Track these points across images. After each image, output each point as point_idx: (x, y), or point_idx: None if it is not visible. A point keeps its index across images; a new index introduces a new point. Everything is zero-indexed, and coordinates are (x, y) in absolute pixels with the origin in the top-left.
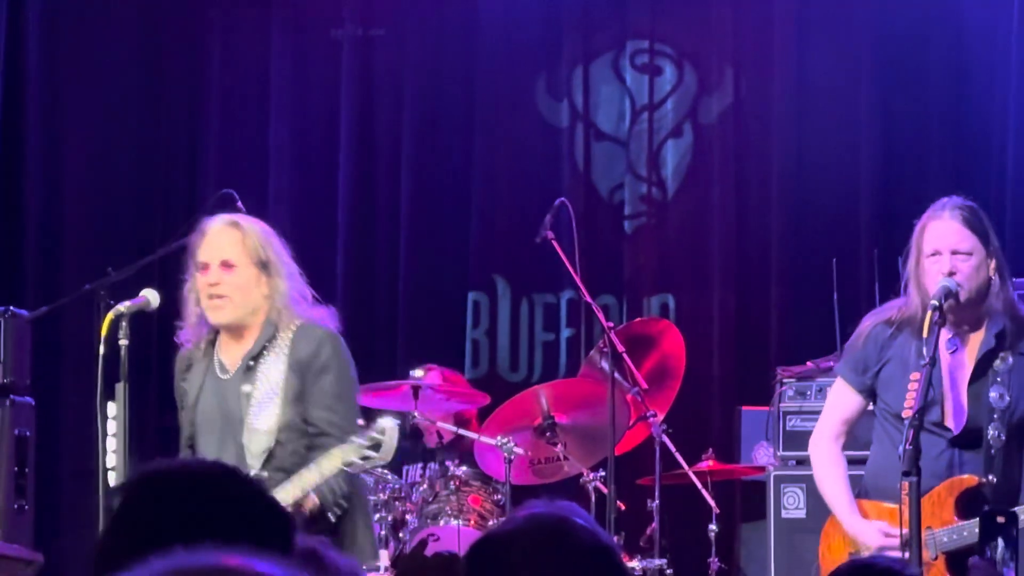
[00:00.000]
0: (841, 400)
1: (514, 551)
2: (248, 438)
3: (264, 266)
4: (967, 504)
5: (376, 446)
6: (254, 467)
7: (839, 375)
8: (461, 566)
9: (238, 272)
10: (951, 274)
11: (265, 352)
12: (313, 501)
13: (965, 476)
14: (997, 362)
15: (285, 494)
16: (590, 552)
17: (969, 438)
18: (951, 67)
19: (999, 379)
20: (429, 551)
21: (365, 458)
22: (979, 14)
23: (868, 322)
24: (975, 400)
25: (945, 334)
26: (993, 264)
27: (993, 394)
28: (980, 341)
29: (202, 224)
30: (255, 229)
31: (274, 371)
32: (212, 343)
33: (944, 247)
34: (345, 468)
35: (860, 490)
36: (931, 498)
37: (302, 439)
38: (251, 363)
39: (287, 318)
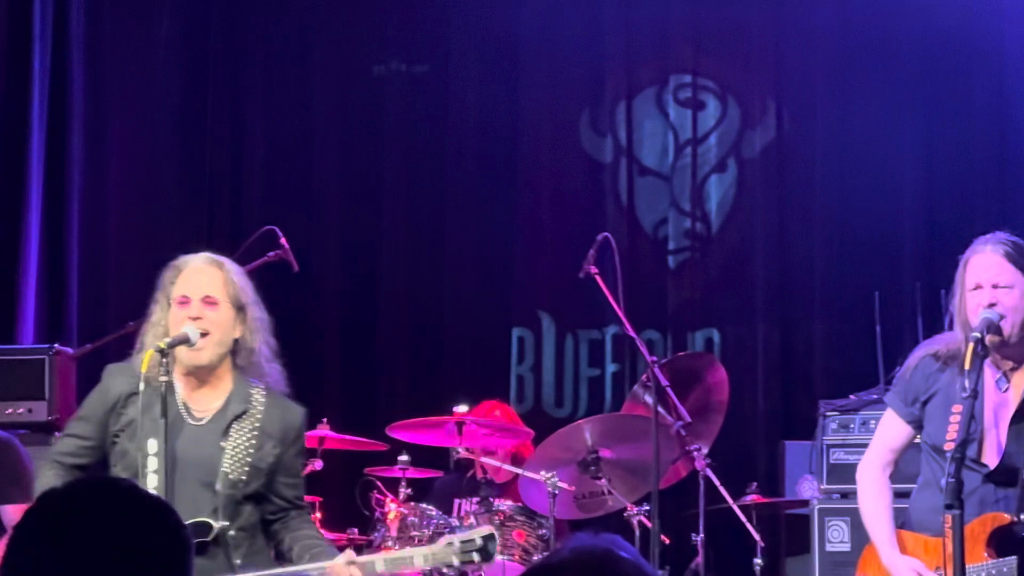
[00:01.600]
0: (890, 430)
1: None
2: (222, 492)
3: (241, 309)
4: (999, 542)
5: (478, 551)
6: (225, 520)
7: (889, 405)
8: None
9: (220, 310)
10: (991, 306)
11: (241, 407)
12: None
13: (998, 513)
14: None
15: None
16: None
17: (1004, 475)
18: (994, 102)
19: None
20: None
21: (466, 562)
22: (1020, 48)
23: (918, 354)
24: (1015, 438)
25: (993, 373)
26: None
27: None
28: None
29: (179, 260)
30: (235, 270)
31: (247, 434)
32: (171, 383)
33: (985, 281)
34: (440, 568)
35: (903, 521)
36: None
37: (261, 506)
38: (231, 421)
39: (256, 370)
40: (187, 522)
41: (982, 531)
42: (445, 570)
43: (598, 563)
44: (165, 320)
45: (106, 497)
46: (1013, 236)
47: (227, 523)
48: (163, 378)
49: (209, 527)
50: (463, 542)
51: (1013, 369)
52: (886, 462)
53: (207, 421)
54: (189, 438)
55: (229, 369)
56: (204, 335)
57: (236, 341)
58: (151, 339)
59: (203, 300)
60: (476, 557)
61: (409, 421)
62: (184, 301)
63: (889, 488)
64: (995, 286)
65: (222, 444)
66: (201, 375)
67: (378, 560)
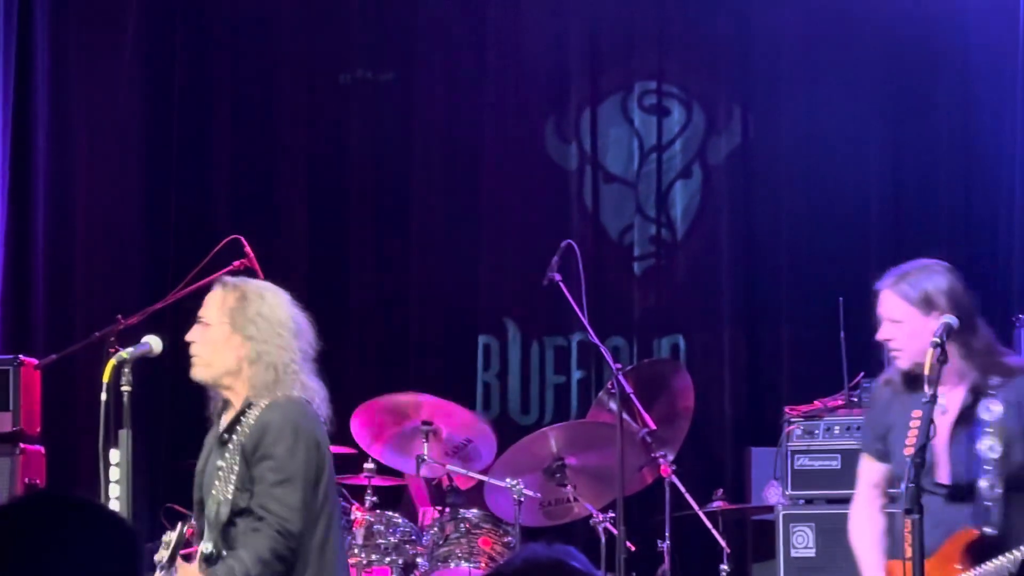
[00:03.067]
0: (864, 468)
1: None
2: (211, 511)
3: (238, 328)
4: (975, 557)
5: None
6: (212, 540)
7: (859, 445)
8: None
9: (211, 330)
10: (889, 340)
11: (239, 426)
12: None
13: (966, 530)
14: (984, 414)
15: None
16: None
17: (962, 492)
18: (959, 105)
19: (988, 429)
20: None
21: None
22: (984, 46)
23: (875, 386)
24: (960, 451)
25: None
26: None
27: (982, 445)
28: (960, 397)
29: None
30: (240, 290)
31: (234, 452)
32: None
33: (880, 316)
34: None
35: (891, 551)
36: (939, 556)
37: (249, 523)
38: (225, 436)
39: (262, 386)
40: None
41: (954, 550)
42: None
43: (549, 572)
44: None
45: (48, 510)
46: (915, 266)
47: (211, 545)
48: (124, 388)
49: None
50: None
51: (947, 391)
52: (869, 498)
53: (218, 440)
54: (208, 456)
55: (246, 389)
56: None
57: (241, 359)
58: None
59: (198, 321)
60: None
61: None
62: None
63: (876, 520)
64: (890, 320)
65: (219, 464)
66: (224, 392)
67: None
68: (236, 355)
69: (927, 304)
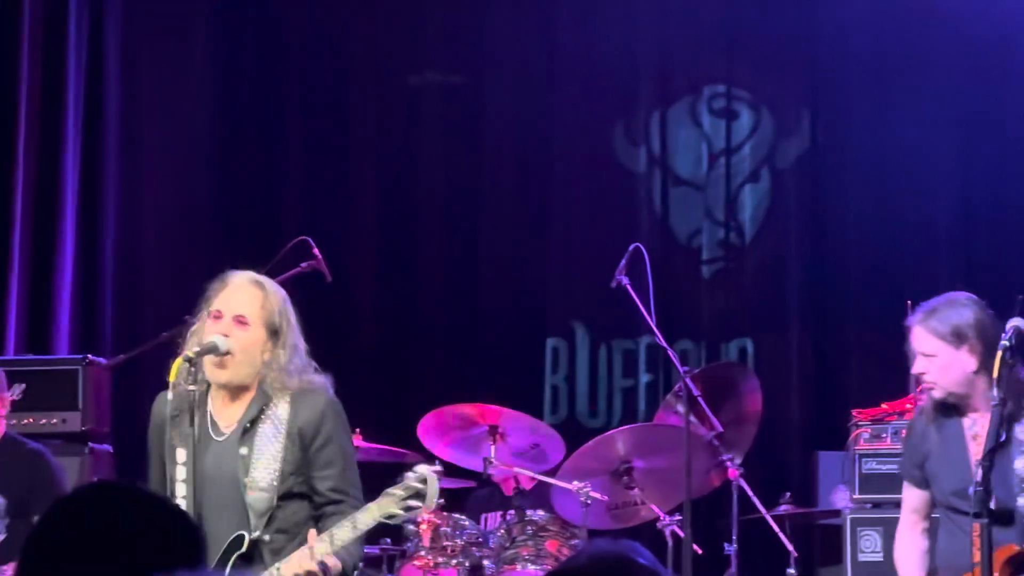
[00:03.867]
0: (907, 495)
1: None
2: (251, 499)
3: (274, 333)
4: (1014, 572)
5: (417, 495)
6: (257, 528)
7: (900, 472)
8: None
9: (250, 331)
10: (923, 373)
11: (262, 417)
12: (336, 566)
13: (1005, 546)
14: (1019, 431)
15: (319, 548)
16: None
17: (1004, 515)
18: None
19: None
20: None
21: (408, 509)
22: None
23: (913, 415)
24: (996, 475)
25: (967, 426)
26: (975, 356)
27: (1019, 463)
28: (988, 421)
29: (226, 274)
30: (276, 294)
31: (272, 437)
32: (204, 396)
33: (913, 350)
34: (385, 520)
35: (931, 569)
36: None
37: (304, 506)
38: (248, 426)
39: (280, 386)
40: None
41: (995, 569)
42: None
43: (615, 569)
44: (201, 331)
45: (116, 500)
46: (942, 301)
47: (259, 531)
48: (191, 387)
49: (242, 539)
50: (403, 489)
51: (977, 419)
52: (911, 523)
53: (229, 435)
54: (214, 454)
55: (257, 387)
56: (227, 353)
57: (266, 363)
58: (188, 349)
59: (234, 318)
60: (415, 502)
61: (440, 410)
62: (217, 316)
63: (918, 543)
64: (922, 354)
65: (243, 453)
66: (230, 391)
67: (342, 529)
68: (263, 358)
69: (957, 337)
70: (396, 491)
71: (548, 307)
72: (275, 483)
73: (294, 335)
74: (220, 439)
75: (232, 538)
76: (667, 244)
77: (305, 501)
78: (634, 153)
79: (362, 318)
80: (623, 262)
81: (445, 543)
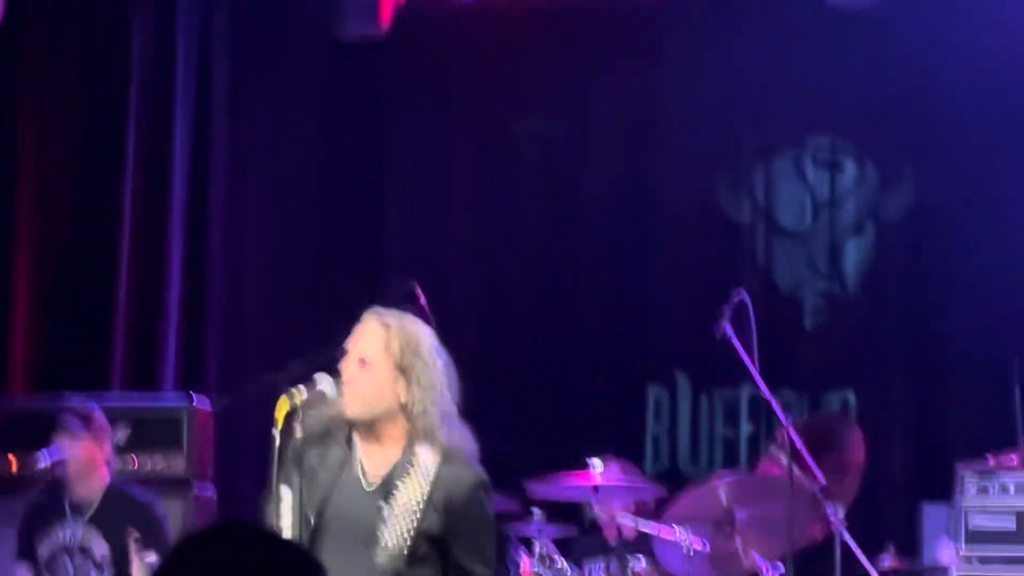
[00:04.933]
0: None
1: None
2: (381, 557)
3: (403, 371)
4: None
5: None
6: None
7: None
8: None
9: (372, 371)
10: None
11: (408, 473)
12: None
13: None
14: None
15: None
16: None
17: None
18: None
19: None
20: None
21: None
22: None
23: None
24: None
25: None
26: None
27: None
28: None
29: (366, 313)
30: (406, 332)
31: (414, 496)
32: (349, 438)
33: None
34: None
35: None
36: None
37: (430, 571)
38: (396, 482)
39: (425, 433)
40: None
41: None
42: None
43: None
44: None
45: (243, 539)
46: None
47: None
48: (298, 435)
49: None
50: None
51: None
52: None
53: (376, 486)
54: (356, 501)
55: (404, 434)
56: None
57: (403, 406)
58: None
59: (359, 360)
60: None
61: (545, 477)
62: (345, 354)
63: None
64: None
65: (383, 509)
66: (372, 434)
67: None
68: (397, 399)
69: None
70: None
71: (650, 355)
72: (407, 545)
73: (430, 375)
74: (367, 488)
75: None
76: (769, 295)
77: (441, 569)
78: (738, 203)
79: (463, 364)
80: (727, 311)
81: None
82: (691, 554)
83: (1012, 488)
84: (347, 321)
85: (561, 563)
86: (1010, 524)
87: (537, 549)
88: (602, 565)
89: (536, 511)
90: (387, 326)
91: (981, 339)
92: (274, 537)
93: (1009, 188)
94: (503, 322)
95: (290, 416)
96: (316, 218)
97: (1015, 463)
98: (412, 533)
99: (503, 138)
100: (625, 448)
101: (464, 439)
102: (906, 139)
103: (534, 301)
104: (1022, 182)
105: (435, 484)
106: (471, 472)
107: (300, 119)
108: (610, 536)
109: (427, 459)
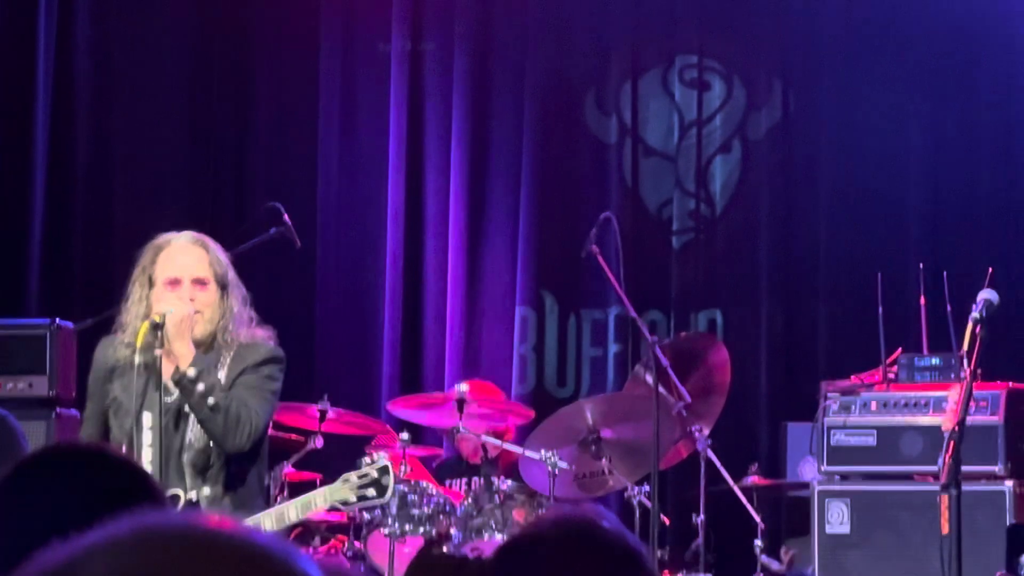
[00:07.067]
0: None
1: (541, 554)
2: (189, 458)
3: (224, 288)
4: None
5: (373, 484)
6: (196, 488)
7: None
8: (489, 569)
9: (209, 290)
10: None
11: (206, 372)
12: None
13: None
14: None
15: (262, 525)
16: (617, 555)
17: None
18: (1000, 83)
19: None
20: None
21: (363, 498)
22: None
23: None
24: None
25: None
26: None
27: None
28: None
29: (160, 239)
30: (217, 248)
31: (213, 394)
32: (155, 361)
33: None
34: (339, 507)
35: None
36: None
37: (248, 459)
38: (194, 383)
39: (231, 339)
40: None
41: None
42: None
43: (580, 534)
44: (147, 301)
45: (78, 460)
46: None
47: (194, 493)
48: (158, 351)
49: (177, 499)
50: (359, 477)
51: None
52: None
53: (177, 395)
54: (162, 413)
55: (211, 346)
56: (197, 313)
57: (221, 317)
58: (132, 320)
59: (194, 282)
60: (372, 492)
61: (412, 397)
62: (175, 282)
63: None
64: None
65: (186, 411)
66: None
67: (290, 508)
68: (220, 314)
69: None
70: (352, 478)
71: (517, 276)
72: (204, 442)
73: (240, 285)
74: (169, 400)
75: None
76: (637, 214)
77: (255, 464)
78: (605, 123)
79: (330, 286)
80: (593, 232)
81: (412, 511)
82: (556, 474)
83: (874, 405)
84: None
85: (425, 482)
86: (871, 440)
87: (401, 470)
88: (465, 484)
89: (402, 434)
90: (204, 245)
91: (848, 258)
92: (108, 455)
93: (873, 106)
94: (370, 243)
95: (149, 339)
96: (182, 138)
97: (878, 381)
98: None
99: (370, 57)
100: (493, 370)
101: (266, 336)
102: (772, 57)
103: (400, 221)
104: (887, 100)
105: (232, 366)
106: (265, 346)
107: (168, 39)
108: (475, 457)
109: (228, 353)
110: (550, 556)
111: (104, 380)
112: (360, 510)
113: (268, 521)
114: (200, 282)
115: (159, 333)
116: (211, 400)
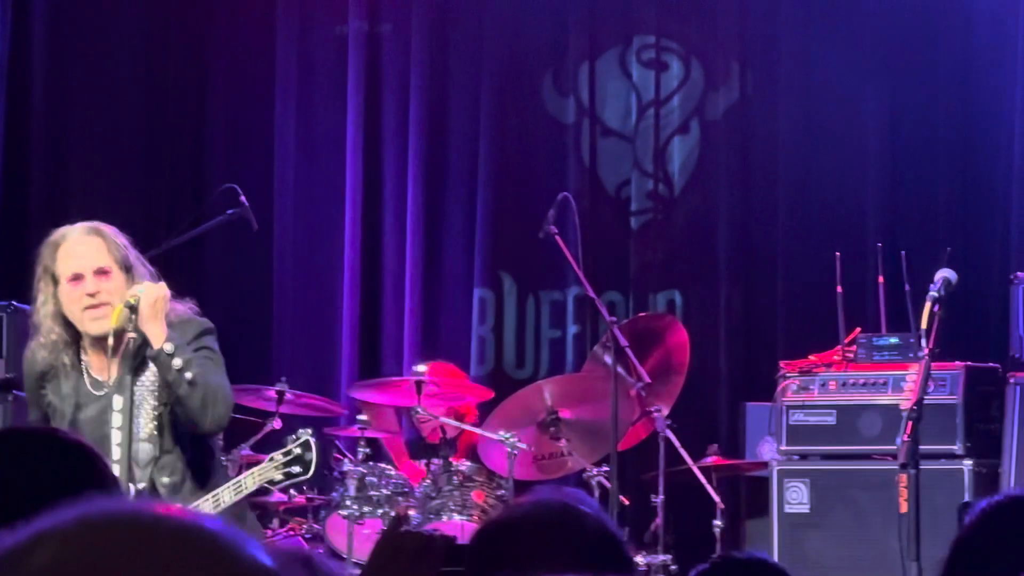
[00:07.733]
0: None
1: (520, 536)
2: (134, 450)
3: (128, 270)
4: None
5: (297, 461)
6: (143, 480)
7: None
8: (467, 550)
9: (113, 278)
10: None
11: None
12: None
13: None
14: None
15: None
16: (596, 539)
17: None
18: (959, 63)
19: None
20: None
21: (289, 475)
22: (987, 9)
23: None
24: None
25: None
26: None
27: None
28: None
29: (55, 235)
30: (114, 233)
31: (148, 376)
32: (77, 358)
33: None
34: (268, 485)
35: None
36: None
37: (191, 446)
38: (127, 375)
39: (153, 321)
40: None
41: None
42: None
43: (559, 517)
44: (55, 299)
45: (29, 444)
46: None
47: (147, 481)
48: (130, 334)
49: (137, 490)
50: (284, 455)
51: None
52: None
53: (108, 389)
54: (96, 410)
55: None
56: (102, 306)
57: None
58: (43, 320)
59: (95, 273)
60: (297, 468)
61: (369, 381)
62: (77, 278)
63: None
64: None
65: (121, 401)
66: (100, 342)
67: (224, 492)
68: (130, 295)
69: None
70: (277, 456)
71: (475, 257)
72: (153, 424)
73: (143, 262)
74: (100, 393)
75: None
76: (595, 195)
77: (194, 442)
78: (563, 103)
79: (286, 267)
80: (551, 212)
81: (371, 493)
82: (515, 455)
83: (832, 385)
84: (169, 224)
85: (384, 465)
86: (830, 419)
87: (361, 451)
88: (423, 465)
89: (360, 416)
90: (99, 232)
91: (806, 238)
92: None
93: (831, 85)
94: (328, 223)
95: (125, 322)
96: (139, 120)
97: (836, 360)
98: (153, 406)
99: (327, 39)
100: (451, 351)
101: (191, 309)
102: (730, 37)
103: (358, 202)
104: (845, 80)
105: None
106: (196, 319)
107: (124, 20)
108: (434, 438)
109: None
110: (528, 540)
111: (36, 387)
112: (288, 488)
113: (206, 506)
114: (102, 272)
115: (134, 316)
116: (188, 375)
